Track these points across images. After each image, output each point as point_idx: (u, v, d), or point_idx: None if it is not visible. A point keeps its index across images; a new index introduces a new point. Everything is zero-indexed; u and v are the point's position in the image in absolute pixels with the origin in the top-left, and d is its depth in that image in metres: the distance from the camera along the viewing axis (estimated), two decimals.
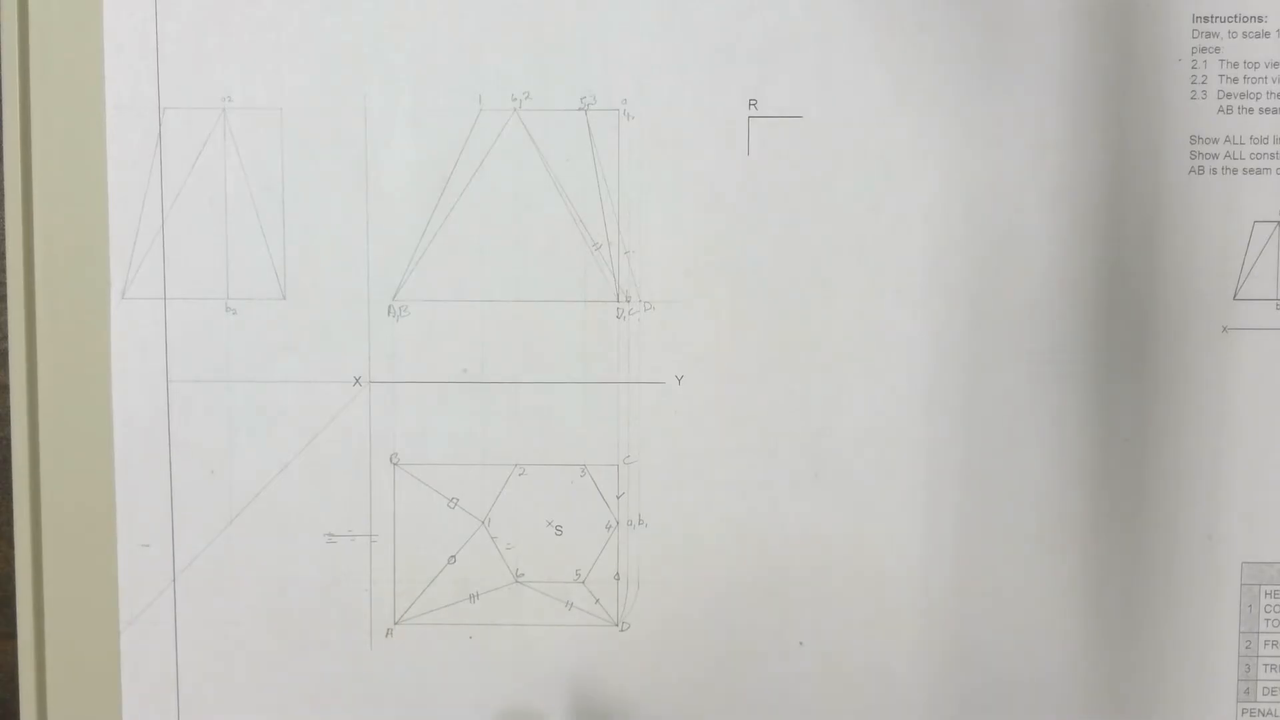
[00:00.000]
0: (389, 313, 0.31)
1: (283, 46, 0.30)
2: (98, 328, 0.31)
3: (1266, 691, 0.31)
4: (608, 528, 0.31)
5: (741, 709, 0.31)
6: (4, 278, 0.31)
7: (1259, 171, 0.30)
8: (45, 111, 0.30)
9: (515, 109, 0.30)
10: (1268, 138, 0.30)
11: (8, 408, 0.31)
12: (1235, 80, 0.30)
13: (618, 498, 0.31)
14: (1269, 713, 0.31)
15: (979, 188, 0.30)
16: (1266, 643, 0.31)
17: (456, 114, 0.30)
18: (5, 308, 0.31)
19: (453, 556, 0.31)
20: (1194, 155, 0.30)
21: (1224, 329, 0.30)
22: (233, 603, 0.31)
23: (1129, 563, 0.31)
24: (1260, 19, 0.30)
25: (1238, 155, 0.30)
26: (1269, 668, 0.31)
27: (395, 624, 0.31)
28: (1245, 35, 0.30)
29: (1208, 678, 0.31)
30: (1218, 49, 0.30)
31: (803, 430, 0.31)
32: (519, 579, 0.31)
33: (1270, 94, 0.30)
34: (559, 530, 0.31)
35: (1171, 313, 0.30)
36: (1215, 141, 0.30)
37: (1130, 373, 0.30)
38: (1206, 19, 0.30)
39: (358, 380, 0.31)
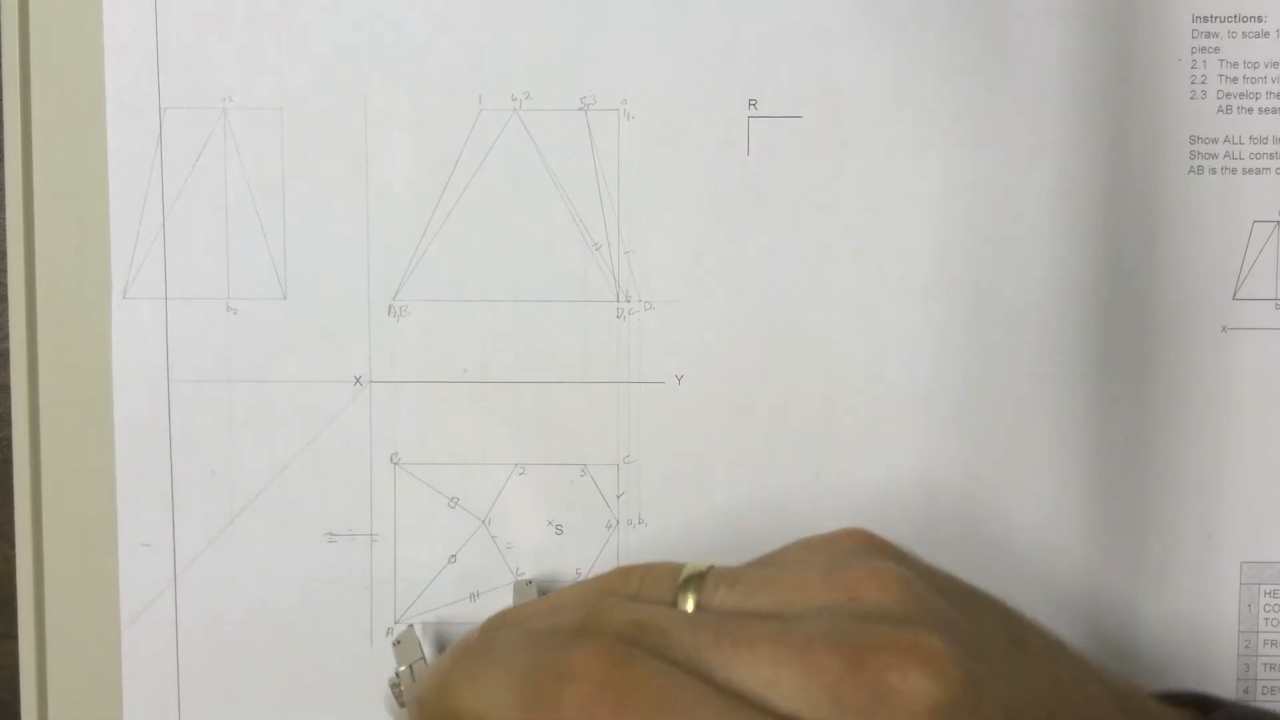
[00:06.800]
0: (389, 312, 0.31)
1: (283, 46, 0.30)
2: (99, 328, 0.31)
3: (1266, 691, 0.31)
4: (608, 527, 0.31)
5: None
6: (5, 278, 0.31)
7: (1259, 171, 0.30)
8: (45, 111, 0.30)
9: (515, 109, 0.30)
10: (1268, 138, 0.30)
11: (9, 408, 0.31)
12: (1235, 80, 0.30)
13: (618, 497, 0.31)
14: None
15: (979, 188, 0.30)
16: (1266, 642, 0.31)
17: (456, 114, 0.30)
18: (6, 308, 0.31)
19: (453, 556, 0.31)
20: (1194, 155, 0.30)
21: (1224, 329, 0.30)
22: (233, 602, 0.31)
23: (1129, 563, 0.31)
24: (1260, 19, 0.30)
25: (1237, 155, 0.30)
26: (1268, 667, 0.31)
27: (395, 623, 0.31)
28: (1245, 35, 0.30)
29: (1207, 677, 0.31)
30: (1217, 49, 0.30)
31: (803, 430, 0.31)
32: (519, 578, 0.31)
33: (1270, 94, 0.30)
34: (559, 530, 0.31)
35: (1171, 313, 0.30)
36: (1215, 141, 0.30)
37: (1130, 373, 0.30)
38: (1206, 19, 0.30)
39: (358, 380, 0.31)
